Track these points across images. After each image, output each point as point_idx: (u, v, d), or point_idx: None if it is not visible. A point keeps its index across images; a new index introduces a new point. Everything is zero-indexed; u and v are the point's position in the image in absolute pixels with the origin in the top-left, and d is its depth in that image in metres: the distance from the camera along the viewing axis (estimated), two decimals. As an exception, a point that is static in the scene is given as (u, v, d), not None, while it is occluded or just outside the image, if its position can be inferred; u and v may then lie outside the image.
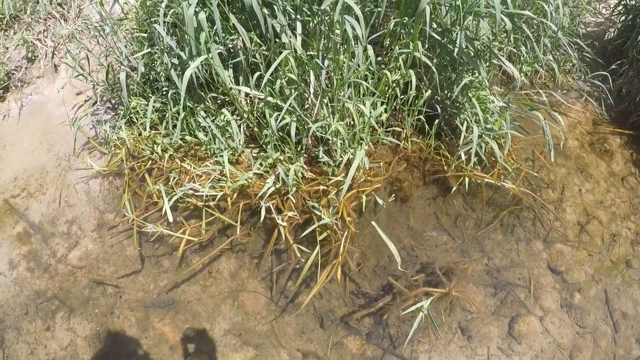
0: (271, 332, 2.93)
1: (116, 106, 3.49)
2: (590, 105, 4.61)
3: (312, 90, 2.74)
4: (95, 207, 3.43)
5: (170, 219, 2.88)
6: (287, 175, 2.81)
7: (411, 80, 3.15)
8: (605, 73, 4.41)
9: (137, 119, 3.46)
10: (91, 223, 3.36)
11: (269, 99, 2.93)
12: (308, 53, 2.75)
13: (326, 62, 2.70)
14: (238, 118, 3.28)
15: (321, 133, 2.98)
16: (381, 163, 3.25)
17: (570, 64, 4.70)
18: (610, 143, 4.45)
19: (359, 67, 2.98)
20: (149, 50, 3.18)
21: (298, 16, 2.89)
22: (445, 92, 3.50)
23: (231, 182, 3.15)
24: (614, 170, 4.34)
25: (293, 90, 2.97)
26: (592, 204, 4.04)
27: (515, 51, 3.91)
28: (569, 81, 4.68)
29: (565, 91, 4.61)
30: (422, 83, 3.46)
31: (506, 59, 3.57)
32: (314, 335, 2.94)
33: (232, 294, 2.99)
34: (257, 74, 2.85)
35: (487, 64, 3.37)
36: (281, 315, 2.99)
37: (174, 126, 3.20)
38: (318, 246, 3.01)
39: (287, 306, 3.02)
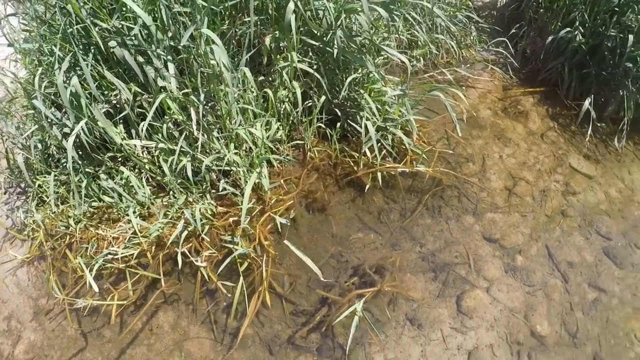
0: None
1: (26, 189, 3.49)
2: (497, 72, 4.65)
3: (194, 126, 2.73)
4: (29, 296, 3.39)
5: (96, 289, 2.85)
6: (194, 217, 2.84)
7: (296, 92, 3.15)
8: (504, 39, 4.48)
9: (46, 197, 3.43)
10: (28, 313, 3.31)
11: (161, 145, 2.93)
12: (184, 91, 2.75)
13: (202, 96, 2.91)
14: (138, 172, 3.27)
15: (218, 166, 2.99)
16: (291, 178, 3.24)
17: (471, 38, 4.76)
18: (523, 104, 4.50)
19: (239, 93, 2.98)
20: (36, 126, 3.17)
21: (169, 57, 2.90)
22: (339, 94, 3.51)
23: (145, 237, 3.11)
24: (532, 129, 4.38)
25: (179, 132, 2.98)
26: (516, 167, 4.06)
27: (411, 37, 3.95)
28: (473, 54, 4.74)
29: (470, 65, 4.66)
30: (313, 91, 3.47)
31: (405, 46, 3.62)
32: None
33: (177, 345, 2.95)
34: (143, 123, 2.86)
35: (376, 57, 3.40)
36: (229, 353, 2.96)
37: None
38: (241, 277, 2.97)
39: (232, 343, 2.99)
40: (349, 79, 3.18)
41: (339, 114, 3.50)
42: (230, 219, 3.24)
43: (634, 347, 3.43)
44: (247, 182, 3.13)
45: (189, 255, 3.08)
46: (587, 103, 4.26)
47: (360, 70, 3.32)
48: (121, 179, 3.20)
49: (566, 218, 3.90)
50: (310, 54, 3.36)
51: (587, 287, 3.60)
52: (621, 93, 4.30)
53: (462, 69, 4.28)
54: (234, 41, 3.27)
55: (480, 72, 4.59)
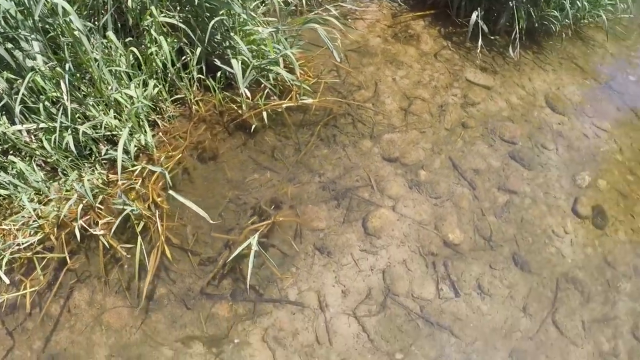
0: (146, 337, 2.77)
1: None
2: (385, 2, 4.54)
3: (65, 97, 2.78)
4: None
5: (7, 281, 2.69)
6: (84, 188, 2.82)
7: (162, 46, 3.00)
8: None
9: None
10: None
11: (42, 125, 2.92)
12: (50, 64, 2.85)
13: (68, 66, 2.80)
14: (29, 159, 3.08)
15: (99, 133, 3.02)
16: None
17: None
18: (413, 28, 4.41)
19: (104, 57, 2.91)
20: None
21: (33, 36, 2.77)
22: (214, 43, 3.35)
23: (45, 219, 2.98)
24: (425, 50, 4.30)
25: (57, 109, 2.89)
26: (411, 87, 3.95)
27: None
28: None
29: None
30: (186, 45, 3.31)
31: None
32: (185, 319, 2.86)
33: (97, 320, 2.77)
34: (18, 106, 2.72)
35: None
36: (147, 316, 2.83)
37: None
38: (139, 237, 2.87)
39: (148, 306, 2.83)
40: (211, 23, 3.02)
41: (219, 63, 3.33)
42: (123, 185, 3.05)
43: (552, 242, 3.38)
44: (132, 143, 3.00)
45: (88, 228, 2.87)
46: (474, 16, 4.21)
47: (224, 13, 3.14)
48: (12, 169, 2.99)
49: (467, 129, 3.80)
50: (179, 7, 3.18)
51: (496, 192, 3.51)
52: (511, 4, 4.24)
53: (347, 2, 4.12)
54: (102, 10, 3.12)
55: (367, 3, 4.47)
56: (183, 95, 3.41)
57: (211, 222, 2.87)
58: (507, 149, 3.77)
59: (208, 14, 3.20)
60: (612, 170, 3.96)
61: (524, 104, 4.10)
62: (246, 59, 3.21)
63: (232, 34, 3.22)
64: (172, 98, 3.40)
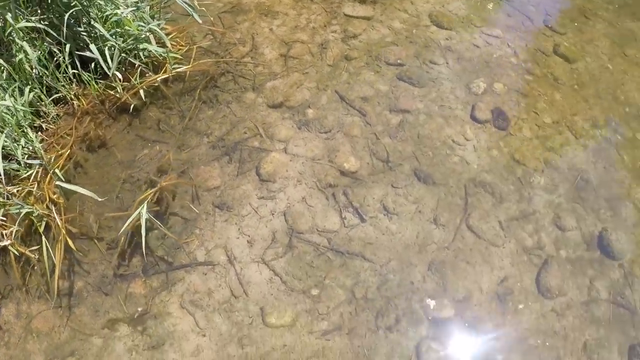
0: (74, 332, 2.71)
1: None
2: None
3: None
4: None
5: None
6: None
7: (27, 51, 2.93)
8: None
9: None
10: None
11: None
12: None
13: None
14: None
15: None
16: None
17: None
18: (287, -21, 4.33)
19: None
20: None
21: None
22: (81, 36, 3.30)
23: None
24: (299, -4, 4.22)
25: None
26: (288, 33, 3.92)
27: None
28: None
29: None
30: (53, 45, 3.24)
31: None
32: (107, 306, 2.80)
33: (27, 329, 2.69)
34: None
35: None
36: (71, 313, 2.77)
37: None
38: (42, 237, 2.82)
39: (70, 303, 2.78)
40: (66, 16, 2.94)
41: (89, 54, 3.27)
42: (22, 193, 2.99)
43: (454, 152, 3.36)
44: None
45: (-2, 241, 2.81)
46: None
47: (76, 4, 3.08)
48: None
49: (351, 60, 3.78)
50: (39, 10, 3.12)
51: (388, 114, 3.49)
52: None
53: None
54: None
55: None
56: (63, 94, 3.33)
57: (99, 199, 2.84)
58: (394, 71, 3.75)
59: (64, 9, 3.12)
60: (508, 73, 3.96)
61: (408, 27, 4.09)
62: (114, 43, 3.14)
63: (93, 22, 3.15)
64: (52, 98, 3.31)
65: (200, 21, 3.35)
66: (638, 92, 4.24)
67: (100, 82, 3.36)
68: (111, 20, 3.14)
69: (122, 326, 2.69)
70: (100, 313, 2.70)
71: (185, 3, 3.23)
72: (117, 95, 3.28)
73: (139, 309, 2.73)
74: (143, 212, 2.68)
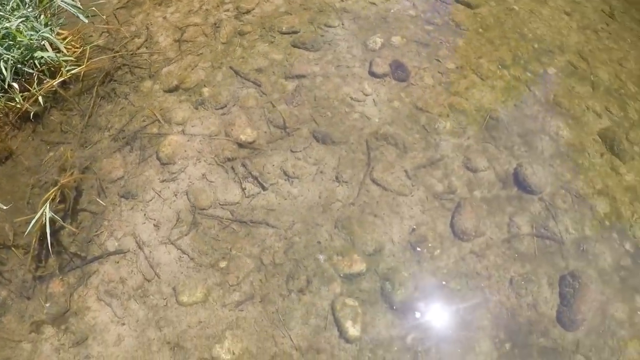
0: (4, 341, 2.63)
1: None
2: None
3: None
4: None
5: None
6: None
7: None
8: None
9: None
10: None
11: None
12: None
13: None
14: None
15: None
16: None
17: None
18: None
19: None
20: None
21: None
22: None
23: None
24: (192, -17, 4.28)
25: None
26: (182, 18, 3.98)
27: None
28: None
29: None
30: None
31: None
32: (30, 310, 2.77)
33: None
34: None
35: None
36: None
37: None
38: None
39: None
40: None
41: None
42: None
43: (354, 109, 3.45)
44: None
45: None
46: None
47: None
48: None
49: (244, 35, 3.85)
50: None
51: (284, 81, 3.56)
52: None
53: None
54: None
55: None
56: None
57: (4, 207, 2.93)
58: (288, 39, 3.81)
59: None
60: (407, 26, 4.02)
61: (301, -5, 4.11)
62: (8, 56, 3.21)
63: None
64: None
65: (86, 21, 3.43)
66: (547, 27, 4.34)
67: (2, 96, 3.37)
68: (2, 33, 3.19)
69: (47, 327, 2.74)
70: (25, 318, 2.75)
71: (70, 5, 3.27)
72: (18, 106, 3.33)
73: (59, 308, 2.79)
74: (46, 211, 2.72)
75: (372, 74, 3.60)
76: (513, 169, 3.36)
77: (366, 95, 3.49)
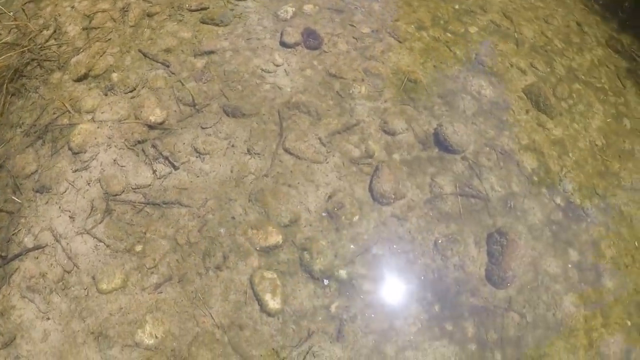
0: None
1: None
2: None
3: None
4: None
5: None
6: None
7: None
8: None
9: None
10: None
11: None
12: None
13: None
14: None
15: None
16: None
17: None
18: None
19: None
20: None
21: None
22: None
23: None
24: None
25: None
26: (90, 6, 3.98)
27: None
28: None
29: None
30: None
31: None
32: None
33: None
34: None
35: None
36: None
37: None
38: None
39: None
40: None
41: None
42: None
43: (265, 80, 3.50)
44: None
45: None
46: None
47: None
48: None
49: (153, 17, 3.83)
50: None
51: (193, 59, 3.55)
52: None
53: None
54: None
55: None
56: None
57: None
58: (197, 16, 3.79)
59: None
60: (319, -9, 3.92)
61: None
62: None
63: None
64: None
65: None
66: (469, -12, 4.21)
67: None
68: None
69: (-23, 332, 2.60)
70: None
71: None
72: None
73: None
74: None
75: (284, 44, 3.61)
76: (433, 129, 3.37)
77: (277, 65, 3.49)
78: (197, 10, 3.75)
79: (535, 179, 3.10)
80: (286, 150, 3.16)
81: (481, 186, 3.02)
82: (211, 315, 2.71)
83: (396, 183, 3.04)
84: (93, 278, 2.82)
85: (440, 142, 3.22)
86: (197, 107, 3.25)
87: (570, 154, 3.30)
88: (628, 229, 3.15)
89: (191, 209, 3.00)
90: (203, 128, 3.25)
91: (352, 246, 2.87)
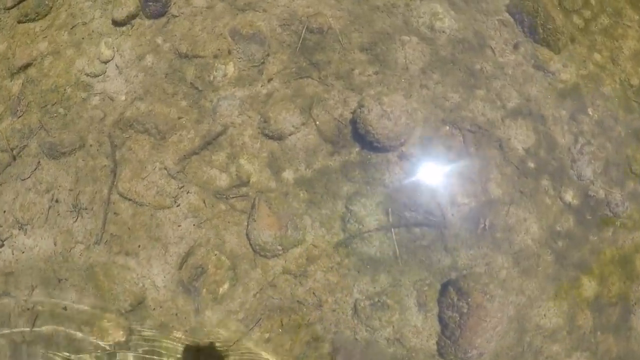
0: None
1: None
2: None
3: None
4: None
5: None
6: None
7: None
8: None
9: None
10: None
11: None
12: None
13: None
14: None
15: None
16: None
17: None
18: None
19: None
20: None
21: None
22: None
23: None
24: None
25: None
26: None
27: None
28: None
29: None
30: None
31: None
32: None
33: None
34: None
35: None
36: None
37: None
38: None
39: None
40: None
41: None
42: None
43: (93, 90, 2.77)
44: None
45: None
46: None
47: None
48: None
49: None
50: None
51: (9, 82, 2.94)
52: None
53: None
54: None
55: None
56: None
57: None
58: (15, 14, 3.02)
59: None
60: None
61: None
62: None
63: None
64: None
65: None
66: None
67: None
68: None
69: None
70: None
71: None
72: None
73: None
74: None
75: (115, 22, 2.55)
76: (351, 112, 2.29)
77: (105, 62, 2.69)
78: (14, 6, 2.71)
79: (532, 165, 1.82)
80: (122, 195, 2.41)
81: (433, 202, 1.75)
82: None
83: (283, 226, 2.13)
84: None
85: (361, 135, 2.13)
86: (14, 152, 2.54)
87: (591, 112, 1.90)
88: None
89: (18, 301, 2.36)
90: (22, 180, 2.58)
91: (221, 332, 2.08)
